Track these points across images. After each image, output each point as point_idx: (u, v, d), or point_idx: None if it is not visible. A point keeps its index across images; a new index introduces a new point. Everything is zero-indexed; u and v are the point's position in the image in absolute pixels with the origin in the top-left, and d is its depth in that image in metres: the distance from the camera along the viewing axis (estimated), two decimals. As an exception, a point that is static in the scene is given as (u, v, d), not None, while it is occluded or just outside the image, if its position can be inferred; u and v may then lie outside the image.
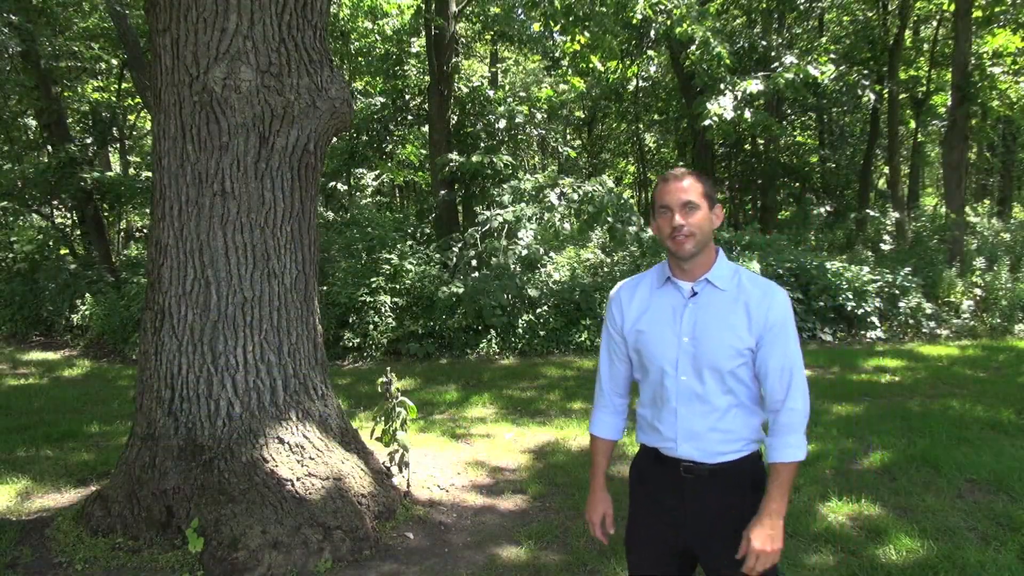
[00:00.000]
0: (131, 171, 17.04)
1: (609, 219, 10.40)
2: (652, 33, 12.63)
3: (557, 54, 15.18)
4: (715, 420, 2.04)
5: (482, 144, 12.73)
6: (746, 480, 2.08)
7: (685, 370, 2.05)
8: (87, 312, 10.64)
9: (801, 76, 11.26)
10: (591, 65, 11.25)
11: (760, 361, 2.02)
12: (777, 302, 2.01)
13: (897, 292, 10.21)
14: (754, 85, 11.08)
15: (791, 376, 2.00)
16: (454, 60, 12.07)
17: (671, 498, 2.12)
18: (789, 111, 18.41)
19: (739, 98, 11.11)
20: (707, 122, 11.09)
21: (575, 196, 10.57)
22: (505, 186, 11.48)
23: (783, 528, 1.99)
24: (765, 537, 1.96)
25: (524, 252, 10.64)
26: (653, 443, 2.16)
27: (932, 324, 10.17)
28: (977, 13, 13.52)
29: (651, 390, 2.15)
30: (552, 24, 10.66)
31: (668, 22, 10.87)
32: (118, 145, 16.94)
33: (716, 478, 2.06)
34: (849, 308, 9.95)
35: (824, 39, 17.25)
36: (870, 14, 16.97)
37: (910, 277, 10.32)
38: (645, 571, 2.21)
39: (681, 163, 22.96)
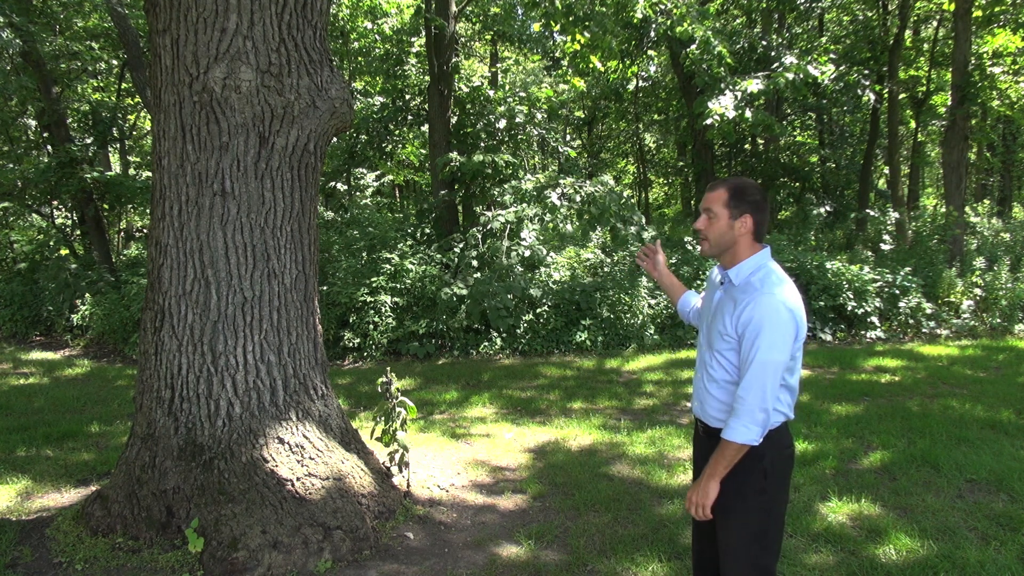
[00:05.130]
0: (131, 171, 17.04)
1: (611, 219, 10.40)
2: (652, 33, 12.62)
3: (557, 54, 15.17)
4: (712, 388, 2.45)
5: (482, 144, 12.72)
6: (750, 456, 2.33)
7: (703, 342, 2.54)
8: (87, 312, 10.64)
9: (801, 76, 11.24)
10: (591, 65, 11.23)
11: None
12: (755, 305, 2.27)
13: (897, 292, 10.21)
14: (754, 85, 11.07)
15: (748, 368, 2.27)
16: (454, 60, 12.05)
17: (698, 457, 2.62)
18: (789, 111, 18.40)
19: (739, 98, 11.09)
20: (708, 121, 11.08)
21: (577, 197, 10.57)
22: (506, 186, 11.46)
23: (714, 488, 2.35)
24: (694, 489, 2.42)
25: (527, 253, 10.63)
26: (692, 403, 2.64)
27: (932, 324, 10.17)
28: (977, 13, 13.51)
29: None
30: (552, 24, 10.64)
31: (668, 22, 10.85)
32: (118, 145, 16.94)
33: (713, 440, 2.42)
34: (849, 308, 9.96)
35: (824, 39, 17.25)
36: (870, 14, 16.97)
37: (910, 277, 10.31)
38: (693, 520, 2.67)
39: (681, 162, 22.99)
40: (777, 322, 2.22)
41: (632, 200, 15.82)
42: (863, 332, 10.06)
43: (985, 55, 15.02)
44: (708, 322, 2.48)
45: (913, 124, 19.19)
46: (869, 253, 12.08)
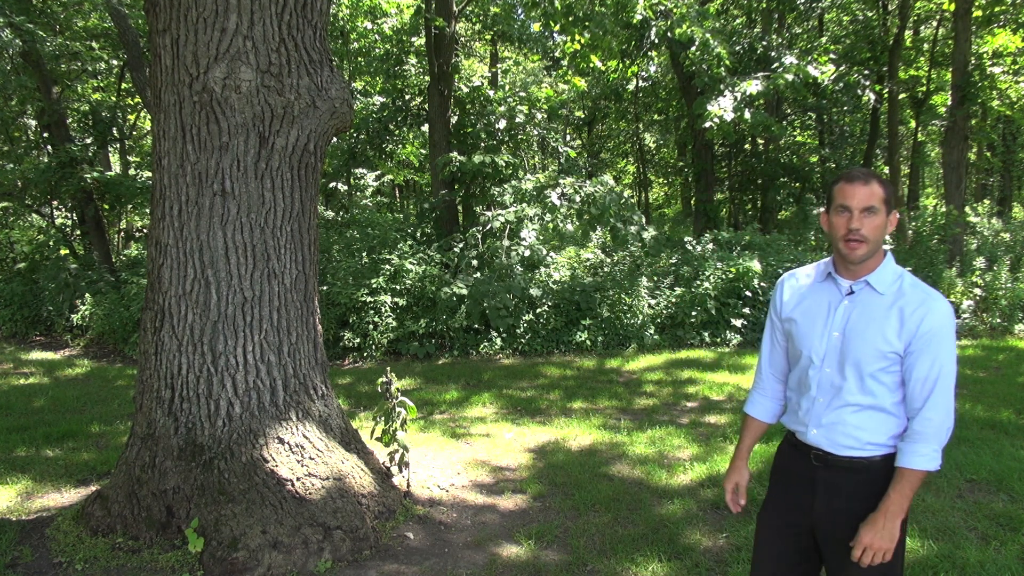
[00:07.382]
0: (131, 171, 17.03)
1: (611, 219, 10.40)
2: (652, 33, 12.62)
3: (557, 54, 15.17)
4: (848, 414, 2.09)
5: (482, 144, 12.72)
6: (879, 484, 2.08)
7: (830, 363, 2.12)
8: (87, 312, 10.64)
9: (801, 76, 11.24)
10: (591, 65, 11.24)
11: (907, 367, 2.04)
12: (934, 312, 2.00)
13: (897, 292, 10.19)
14: (754, 85, 11.07)
15: (934, 387, 2.01)
16: (454, 60, 12.05)
17: (802, 484, 2.19)
18: (789, 111, 18.40)
19: (739, 99, 11.10)
20: (708, 124, 11.08)
21: (577, 197, 10.57)
22: (506, 186, 11.47)
23: (899, 528, 2.01)
24: (874, 532, 2.01)
25: (527, 253, 10.64)
26: (792, 425, 2.27)
27: (932, 324, 10.16)
28: (977, 13, 13.51)
29: (797, 376, 2.24)
30: (552, 24, 10.64)
31: (667, 23, 10.86)
32: (118, 145, 16.93)
33: (845, 473, 2.11)
34: (849, 308, 9.93)
35: (824, 39, 17.25)
36: (870, 14, 16.98)
37: (910, 277, 10.29)
38: (765, 547, 2.31)
39: (681, 162, 22.99)
40: (952, 331, 2.03)
41: (632, 200, 15.82)
42: (863, 332, 10.05)
43: (985, 55, 15.03)
44: (830, 339, 2.12)
45: (913, 124, 19.20)
46: (869, 253, 12.07)
